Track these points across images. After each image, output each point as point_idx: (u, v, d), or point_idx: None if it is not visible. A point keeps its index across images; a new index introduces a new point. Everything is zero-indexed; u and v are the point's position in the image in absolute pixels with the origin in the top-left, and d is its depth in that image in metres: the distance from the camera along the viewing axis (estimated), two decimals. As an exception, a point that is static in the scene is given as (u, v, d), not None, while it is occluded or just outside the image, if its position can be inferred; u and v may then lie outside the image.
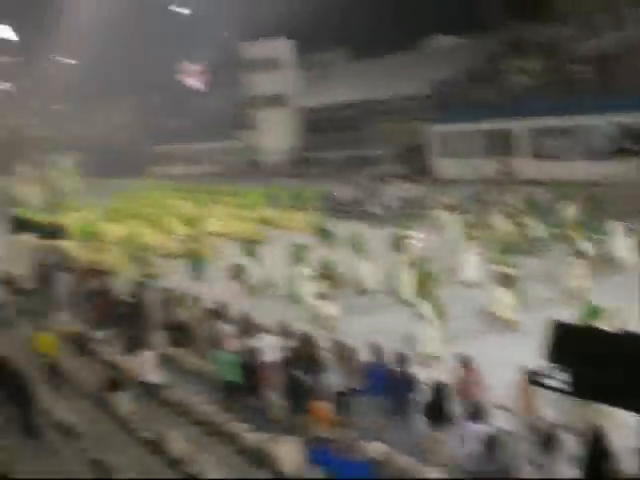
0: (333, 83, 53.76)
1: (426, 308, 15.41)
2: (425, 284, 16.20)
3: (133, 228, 31.74)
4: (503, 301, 16.90)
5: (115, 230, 32.76)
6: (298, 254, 21.09)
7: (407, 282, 18.95)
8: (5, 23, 75.28)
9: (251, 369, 13.08)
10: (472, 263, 20.44)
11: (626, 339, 5.57)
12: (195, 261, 25.90)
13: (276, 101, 49.84)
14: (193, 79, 77.67)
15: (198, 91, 74.67)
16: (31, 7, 63.51)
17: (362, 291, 20.74)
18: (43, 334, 16.92)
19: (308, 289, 19.38)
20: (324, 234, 28.08)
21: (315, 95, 52.43)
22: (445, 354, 14.75)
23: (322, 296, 18.11)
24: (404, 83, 45.07)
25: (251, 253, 23.23)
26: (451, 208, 26.90)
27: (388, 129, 43.82)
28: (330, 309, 17.81)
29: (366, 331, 15.63)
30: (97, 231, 31.73)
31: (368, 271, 20.91)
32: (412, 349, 14.78)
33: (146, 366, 14.55)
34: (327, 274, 18.94)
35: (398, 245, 21.42)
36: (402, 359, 11.93)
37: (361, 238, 22.25)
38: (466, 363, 11.79)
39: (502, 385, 11.44)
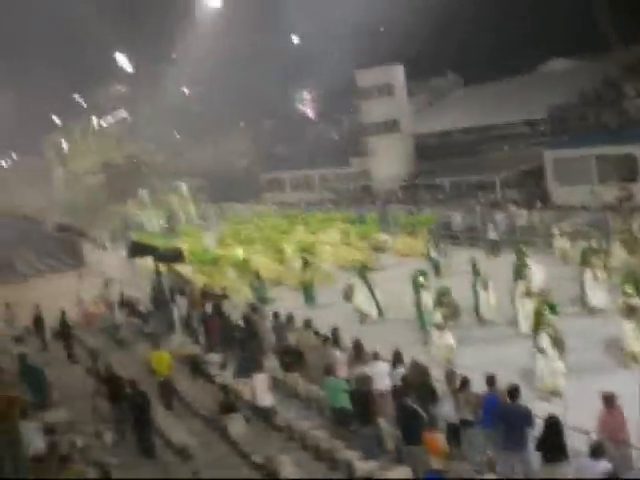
0: (446, 109, 53.39)
1: (545, 340, 14.79)
2: (544, 314, 15.48)
3: (248, 253, 32.36)
4: (630, 334, 15.96)
5: (230, 255, 33.52)
6: (417, 281, 20.59)
7: (526, 312, 18.18)
8: (122, 52, 78.67)
9: (362, 397, 13.00)
10: (595, 293, 19.60)
11: None
12: (309, 287, 26.14)
13: (389, 127, 49.88)
14: (306, 107, 78.97)
15: (311, 119, 75.80)
16: (148, 36, 66.06)
17: (480, 321, 20.25)
18: (158, 353, 17.49)
19: (428, 317, 19.11)
20: (437, 261, 27.85)
21: (428, 121, 52.21)
22: (564, 388, 14.22)
23: (439, 325, 17.72)
24: (519, 107, 44.25)
25: (366, 279, 23.00)
26: (571, 235, 26.02)
27: (503, 155, 43.14)
28: (448, 339, 17.37)
29: (483, 363, 14.88)
30: (213, 255, 32.54)
31: (486, 300, 20.31)
32: (530, 382, 14.37)
33: (259, 389, 14.72)
34: (444, 302, 18.41)
35: (517, 273, 20.71)
36: (517, 392, 11.51)
37: (478, 266, 21.58)
38: (608, 400, 11.11)
39: (630, 425, 10.92)
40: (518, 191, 38.91)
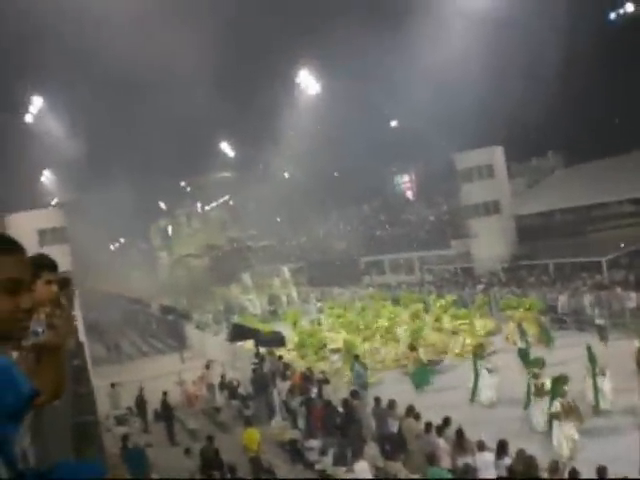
0: (548, 189, 52.72)
1: None
2: None
3: (351, 337, 32.18)
4: None
5: (333, 339, 33.49)
6: (533, 367, 19.83)
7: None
8: (226, 138, 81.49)
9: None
10: None
11: None
12: (417, 371, 25.71)
13: (489, 209, 49.55)
14: (406, 190, 79.59)
15: (411, 202, 76.22)
16: (251, 122, 68.42)
17: (596, 411, 19.03)
18: (249, 430, 17.89)
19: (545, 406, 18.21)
20: (550, 345, 27.08)
21: (529, 202, 51.65)
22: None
23: (558, 415, 16.60)
24: (623, 186, 43.27)
25: (479, 365, 22.34)
26: None
27: (608, 235, 42.07)
28: (570, 430, 16.32)
29: (599, 456, 13.87)
30: (314, 339, 32.52)
31: (603, 389, 19.17)
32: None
33: (361, 477, 14.46)
34: (562, 391, 17.26)
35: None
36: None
37: (592, 352, 20.43)
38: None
39: None
40: (626, 272, 37.66)
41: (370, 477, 14.52)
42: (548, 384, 18.22)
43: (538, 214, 50.48)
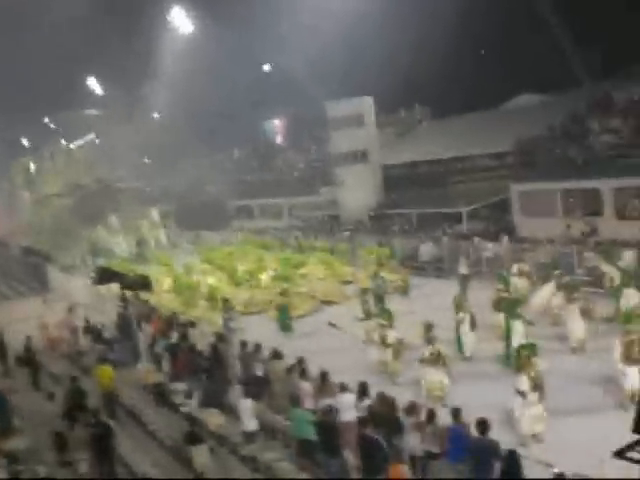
0: (415, 141, 54.01)
1: (525, 383, 14.23)
2: (526, 356, 14.86)
3: (219, 281, 32.16)
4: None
5: (200, 282, 33.37)
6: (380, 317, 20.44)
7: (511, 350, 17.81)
8: (94, 75, 78.45)
9: (327, 428, 12.98)
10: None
11: None
12: (282, 315, 26.08)
13: (358, 158, 50.22)
14: (278, 135, 79.36)
15: (281, 147, 76.17)
16: (119, 59, 66.03)
17: (464, 357, 19.78)
18: (101, 367, 19.15)
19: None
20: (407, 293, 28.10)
21: (396, 152, 52.75)
22: (544, 433, 14.16)
23: (427, 361, 17.08)
24: (487, 141, 44.92)
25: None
26: (528, 274, 25.72)
27: (470, 187, 43.61)
28: (437, 376, 16.86)
29: (469, 401, 14.15)
30: (181, 283, 32.31)
31: (470, 336, 19.94)
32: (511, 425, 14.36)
33: (245, 415, 14.70)
34: (430, 338, 17.59)
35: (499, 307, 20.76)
36: (485, 425, 11.56)
37: (460, 299, 21.28)
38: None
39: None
40: (485, 223, 39.32)
41: (252, 413, 14.84)
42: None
43: (404, 164, 51.68)
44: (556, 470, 10.19)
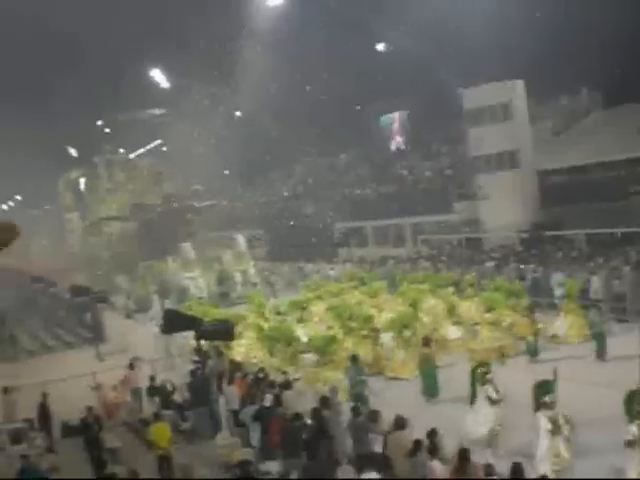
0: (581, 137, 53.00)
1: None
2: None
3: (332, 329, 32.00)
4: None
5: (307, 332, 33.48)
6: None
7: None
8: (156, 65, 79.37)
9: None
10: None
11: None
12: (427, 372, 25.83)
13: (505, 162, 49.72)
14: (396, 134, 79.25)
15: (402, 150, 75.94)
16: (190, 48, 67.29)
17: None
18: (158, 424, 20.49)
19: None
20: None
21: (557, 154, 51.88)
22: None
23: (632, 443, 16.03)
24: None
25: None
26: None
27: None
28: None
29: None
30: (283, 332, 32.39)
31: None
32: None
33: None
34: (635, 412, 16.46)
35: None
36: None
37: None
38: None
39: None
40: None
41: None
42: None
43: (567, 169, 50.77)
44: None
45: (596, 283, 34.51)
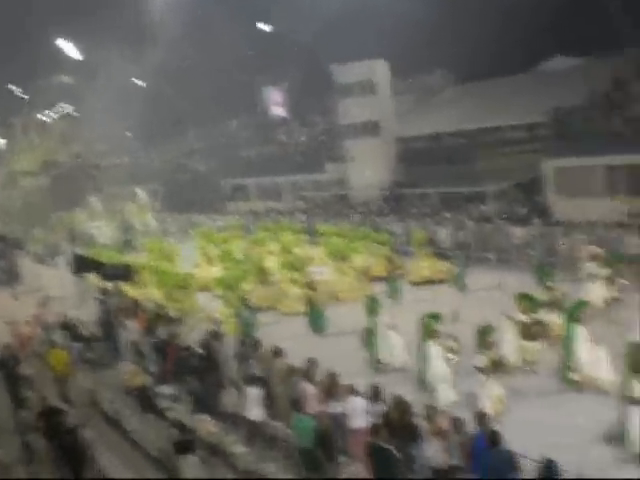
0: (434, 110, 53.67)
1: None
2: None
3: (224, 271, 31.74)
4: None
5: (199, 273, 33.27)
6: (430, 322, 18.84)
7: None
8: (67, 38, 77.35)
9: (333, 436, 12.96)
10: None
11: None
12: (314, 311, 25.93)
13: (370, 130, 50.04)
14: (276, 105, 78.90)
15: (283, 118, 75.73)
16: (96, 20, 65.36)
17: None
18: (55, 350, 20.84)
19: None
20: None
21: (414, 123, 52.46)
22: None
23: (485, 371, 16.53)
24: (517, 110, 44.59)
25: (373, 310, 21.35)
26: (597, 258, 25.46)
27: (498, 163, 43.31)
28: (495, 387, 16.46)
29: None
30: (174, 274, 32.14)
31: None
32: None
33: (249, 403, 15.26)
34: (488, 343, 17.16)
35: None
36: (498, 436, 11.60)
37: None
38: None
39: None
40: (514, 204, 39.18)
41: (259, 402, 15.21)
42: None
43: (423, 137, 51.41)
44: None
45: (443, 234, 35.27)
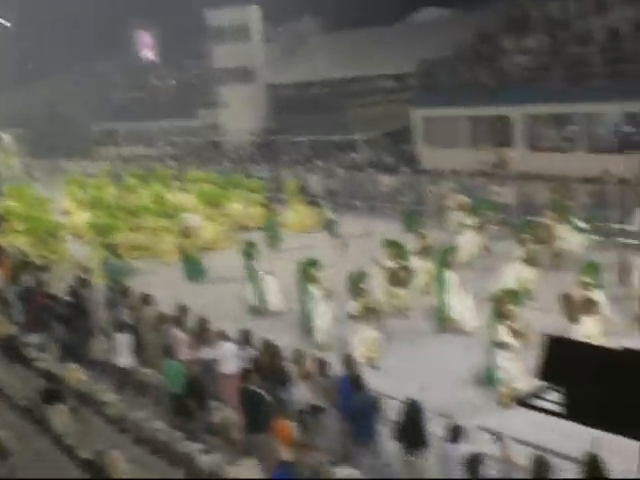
0: (306, 58, 53.62)
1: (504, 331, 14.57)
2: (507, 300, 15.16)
3: (94, 218, 31.04)
4: None
5: (68, 220, 32.47)
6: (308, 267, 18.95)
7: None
8: None
9: (204, 381, 13.07)
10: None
11: (628, 356, 5.61)
12: (188, 260, 25.63)
13: (243, 76, 49.66)
14: (149, 49, 77.19)
15: (154, 62, 74.21)
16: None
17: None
18: None
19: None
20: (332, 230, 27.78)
21: (285, 71, 52.30)
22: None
23: (358, 317, 16.79)
24: (387, 60, 45.05)
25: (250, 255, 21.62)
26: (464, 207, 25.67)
27: (368, 112, 43.75)
28: (370, 333, 16.73)
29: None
30: (43, 221, 31.25)
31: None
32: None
33: (119, 350, 15.25)
34: (361, 290, 17.31)
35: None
36: (361, 379, 12.01)
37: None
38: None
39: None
40: (383, 153, 39.78)
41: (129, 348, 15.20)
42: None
43: (295, 85, 51.35)
44: (454, 421, 10.61)
45: (314, 181, 35.53)
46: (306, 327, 18.22)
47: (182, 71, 66.02)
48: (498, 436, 9.80)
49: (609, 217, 24.70)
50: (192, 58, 64.50)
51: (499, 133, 35.23)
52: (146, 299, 17.73)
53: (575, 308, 15.55)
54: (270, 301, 20.58)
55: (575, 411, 5.63)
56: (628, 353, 5.56)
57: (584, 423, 5.61)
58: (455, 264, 18.94)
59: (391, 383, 13.54)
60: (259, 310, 20.55)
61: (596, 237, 23.31)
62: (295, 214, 31.44)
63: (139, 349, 16.30)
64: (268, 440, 11.30)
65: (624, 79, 30.22)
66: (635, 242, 21.62)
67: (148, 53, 78.33)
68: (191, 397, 13.07)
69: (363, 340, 16.46)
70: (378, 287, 19.02)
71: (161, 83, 65.85)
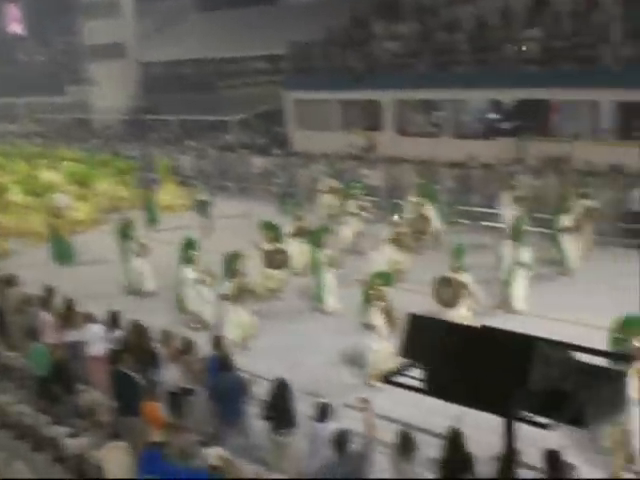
0: (178, 36, 52.87)
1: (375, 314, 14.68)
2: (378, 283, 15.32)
3: None
4: None
5: None
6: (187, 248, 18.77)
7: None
8: None
9: (70, 364, 12.84)
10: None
11: (486, 333, 5.81)
12: (56, 241, 24.78)
13: (114, 52, 48.65)
14: (15, 22, 74.37)
15: (20, 36, 71.67)
16: None
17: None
18: None
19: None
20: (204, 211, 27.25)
21: (157, 49, 51.44)
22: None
23: (230, 297, 16.61)
24: (259, 41, 44.86)
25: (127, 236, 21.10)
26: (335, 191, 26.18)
27: (240, 93, 43.63)
28: (244, 314, 16.68)
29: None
30: None
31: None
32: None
33: None
34: (235, 270, 17.09)
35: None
36: (229, 361, 12.06)
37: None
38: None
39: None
40: (254, 135, 39.82)
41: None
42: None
43: (167, 63, 50.66)
44: (322, 400, 10.77)
45: (186, 162, 35.22)
46: (181, 307, 18.09)
47: (51, 46, 64.05)
48: (362, 408, 9.93)
49: (472, 201, 25.60)
50: (62, 34, 62.59)
51: (369, 117, 35.75)
52: (10, 280, 17.23)
53: (449, 290, 15.95)
54: (142, 282, 20.35)
55: (437, 387, 5.79)
56: (486, 330, 5.75)
57: (446, 399, 5.78)
58: (330, 246, 19.32)
59: (263, 363, 13.74)
60: (133, 291, 20.30)
61: (460, 220, 24.12)
62: (166, 194, 30.96)
63: (3, 331, 15.85)
64: (138, 422, 11.20)
65: (490, 67, 31.16)
66: (499, 225, 22.33)
67: (15, 27, 75.39)
68: (57, 380, 12.80)
69: (236, 321, 16.43)
70: (254, 269, 19.01)
71: (28, 58, 63.76)
